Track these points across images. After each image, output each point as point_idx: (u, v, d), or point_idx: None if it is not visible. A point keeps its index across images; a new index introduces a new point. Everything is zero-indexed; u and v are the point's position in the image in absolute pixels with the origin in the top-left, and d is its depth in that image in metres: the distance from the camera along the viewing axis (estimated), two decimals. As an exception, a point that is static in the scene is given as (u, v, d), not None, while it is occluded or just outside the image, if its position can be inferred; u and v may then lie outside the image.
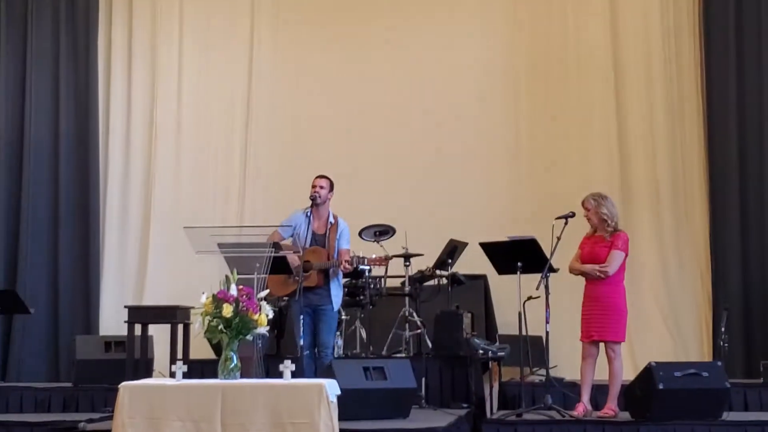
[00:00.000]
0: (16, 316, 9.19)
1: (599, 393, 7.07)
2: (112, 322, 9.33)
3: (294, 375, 5.60)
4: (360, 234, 8.34)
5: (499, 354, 7.45)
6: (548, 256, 6.94)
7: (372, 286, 8.27)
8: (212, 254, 6.51)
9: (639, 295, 8.79)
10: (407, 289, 8.39)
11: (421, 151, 9.84)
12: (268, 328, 5.67)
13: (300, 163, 9.54)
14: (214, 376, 5.57)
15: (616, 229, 6.92)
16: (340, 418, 5.45)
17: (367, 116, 9.96)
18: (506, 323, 8.38)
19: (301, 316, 7.25)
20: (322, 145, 9.83)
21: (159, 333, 8.31)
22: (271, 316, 5.64)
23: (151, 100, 10.06)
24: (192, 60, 10.15)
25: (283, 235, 7.46)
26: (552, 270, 6.95)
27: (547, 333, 7.01)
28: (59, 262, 9.63)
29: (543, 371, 7.44)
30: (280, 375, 5.56)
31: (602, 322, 6.80)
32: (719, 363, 6.88)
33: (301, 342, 7.22)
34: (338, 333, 7.98)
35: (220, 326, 5.45)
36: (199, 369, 7.16)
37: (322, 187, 7.49)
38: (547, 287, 6.92)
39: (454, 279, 8.40)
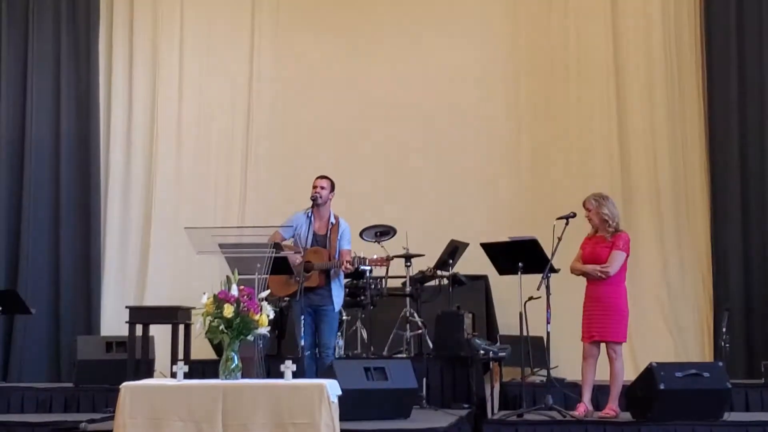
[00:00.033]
0: (17, 317, 9.19)
1: (600, 393, 7.07)
2: (113, 322, 9.33)
3: (295, 375, 5.60)
4: (361, 234, 8.34)
5: (500, 354, 7.46)
6: (549, 256, 6.93)
7: (373, 286, 8.27)
8: (213, 254, 6.50)
9: (640, 295, 8.78)
10: (408, 289, 8.40)
11: (421, 152, 9.85)
12: (269, 328, 5.66)
13: (301, 164, 9.55)
14: (215, 376, 5.57)
15: (617, 230, 6.92)
16: (341, 419, 5.45)
17: (368, 117, 9.97)
18: (507, 324, 8.38)
19: (302, 317, 7.26)
20: (322, 146, 9.85)
21: (160, 333, 8.32)
22: (272, 316, 5.64)
23: (152, 100, 10.06)
24: (193, 60, 10.17)
25: (284, 235, 7.45)
26: (553, 270, 6.95)
27: (548, 333, 7.00)
28: (60, 263, 9.64)
29: (544, 372, 7.44)
30: (281, 375, 5.56)
31: (603, 322, 6.80)
32: (720, 363, 6.87)
33: (302, 342, 7.22)
34: (339, 333, 7.98)
35: (221, 326, 5.45)
36: (200, 369, 7.16)
37: (323, 188, 7.49)
38: (548, 288, 6.91)
39: (455, 279, 8.41)
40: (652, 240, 9.28)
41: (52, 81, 9.88)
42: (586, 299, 6.93)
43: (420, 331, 8.32)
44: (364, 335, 8.34)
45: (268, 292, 5.86)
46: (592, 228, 7.01)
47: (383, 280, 8.45)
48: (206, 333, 5.55)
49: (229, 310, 5.43)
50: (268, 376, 6.51)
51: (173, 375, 5.67)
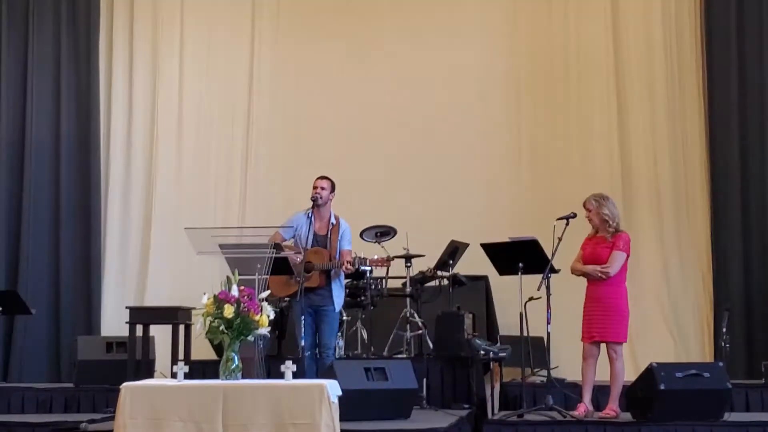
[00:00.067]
0: (17, 317, 9.19)
1: (600, 393, 7.07)
2: (113, 322, 9.33)
3: (295, 376, 5.60)
4: (361, 235, 8.34)
5: (501, 355, 7.46)
6: (549, 256, 6.93)
7: (373, 287, 8.28)
8: (213, 255, 6.51)
9: (640, 295, 8.78)
10: (408, 289, 8.39)
11: (421, 152, 9.84)
12: (269, 328, 5.67)
13: (301, 164, 9.55)
14: (216, 376, 5.57)
15: (618, 230, 6.92)
16: (342, 419, 5.45)
17: (368, 117, 9.98)
18: (507, 324, 8.38)
19: (303, 317, 7.26)
20: (323, 146, 9.85)
21: (160, 334, 8.31)
22: (272, 316, 5.64)
23: (152, 102, 10.07)
24: (193, 61, 10.17)
25: (284, 236, 7.45)
26: (553, 271, 6.94)
27: (548, 334, 7.00)
28: (60, 263, 9.65)
29: (544, 372, 7.44)
30: (281, 376, 5.56)
31: (604, 322, 6.80)
32: (720, 363, 6.87)
33: (303, 343, 7.22)
34: (339, 334, 7.98)
35: (222, 327, 5.45)
36: (200, 370, 7.15)
37: (323, 188, 7.49)
38: (548, 288, 6.91)
39: (455, 280, 8.41)
40: (652, 240, 9.28)
41: (53, 83, 9.88)
42: (586, 300, 6.93)
43: (420, 331, 8.32)
44: (365, 335, 8.35)
45: (268, 292, 5.86)
46: (593, 228, 7.01)
47: (383, 280, 8.45)
48: (206, 333, 5.55)
49: (229, 311, 5.43)
50: (269, 376, 6.51)
51: (173, 375, 5.67)
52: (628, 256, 6.91)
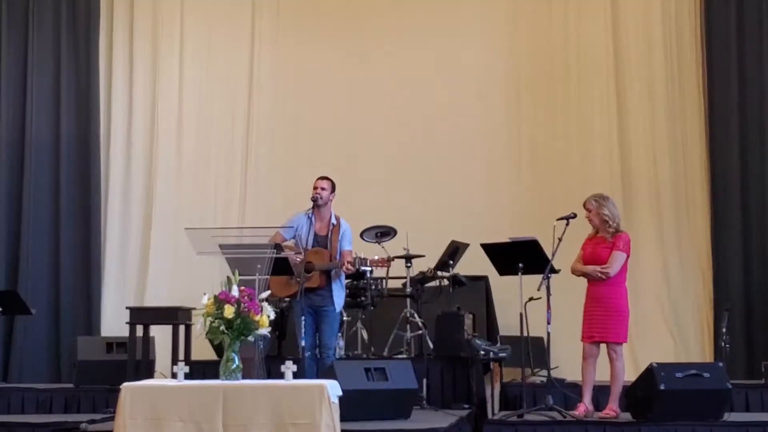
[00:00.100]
0: (17, 317, 9.19)
1: (600, 394, 7.07)
2: (113, 323, 9.33)
3: (295, 376, 5.61)
4: (361, 235, 8.34)
5: (501, 355, 7.45)
6: (549, 257, 6.93)
7: (373, 287, 8.28)
8: (213, 255, 6.51)
9: (640, 295, 8.79)
10: (409, 290, 8.39)
11: (422, 152, 9.85)
12: (269, 329, 5.67)
13: (301, 165, 9.56)
14: (216, 376, 5.57)
15: (618, 230, 6.92)
16: (342, 419, 5.45)
17: (368, 117, 9.98)
18: (507, 324, 8.37)
19: (303, 317, 7.25)
20: (323, 147, 9.85)
21: (160, 334, 8.32)
22: (272, 317, 5.64)
23: (152, 102, 10.07)
24: (193, 61, 10.17)
25: (285, 236, 7.44)
26: (553, 271, 6.94)
27: (548, 334, 7.00)
28: (60, 263, 9.65)
29: (544, 372, 7.43)
30: (281, 376, 5.56)
31: (604, 322, 6.80)
32: (720, 364, 6.88)
33: (303, 343, 7.22)
34: (340, 334, 7.97)
35: (222, 327, 5.46)
36: (200, 370, 7.14)
37: (323, 189, 7.48)
38: (548, 288, 6.90)
39: (455, 280, 8.41)
40: (652, 240, 9.29)
41: (52, 82, 9.88)
42: (586, 300, 6.93)
43: (420, 331, 8.32)
44: (365, 336, 8.35)
45: (268, 292, 5.86)
46: (593, 229, 7.01)
47: (384, 280, 8.46)
48: (207, 334, 5.55)
49: (229, 311, 5.43)
50: (269, 376, 6.50)
51: (174, 375, 5.68)
52: (628, 256, 6.91)
